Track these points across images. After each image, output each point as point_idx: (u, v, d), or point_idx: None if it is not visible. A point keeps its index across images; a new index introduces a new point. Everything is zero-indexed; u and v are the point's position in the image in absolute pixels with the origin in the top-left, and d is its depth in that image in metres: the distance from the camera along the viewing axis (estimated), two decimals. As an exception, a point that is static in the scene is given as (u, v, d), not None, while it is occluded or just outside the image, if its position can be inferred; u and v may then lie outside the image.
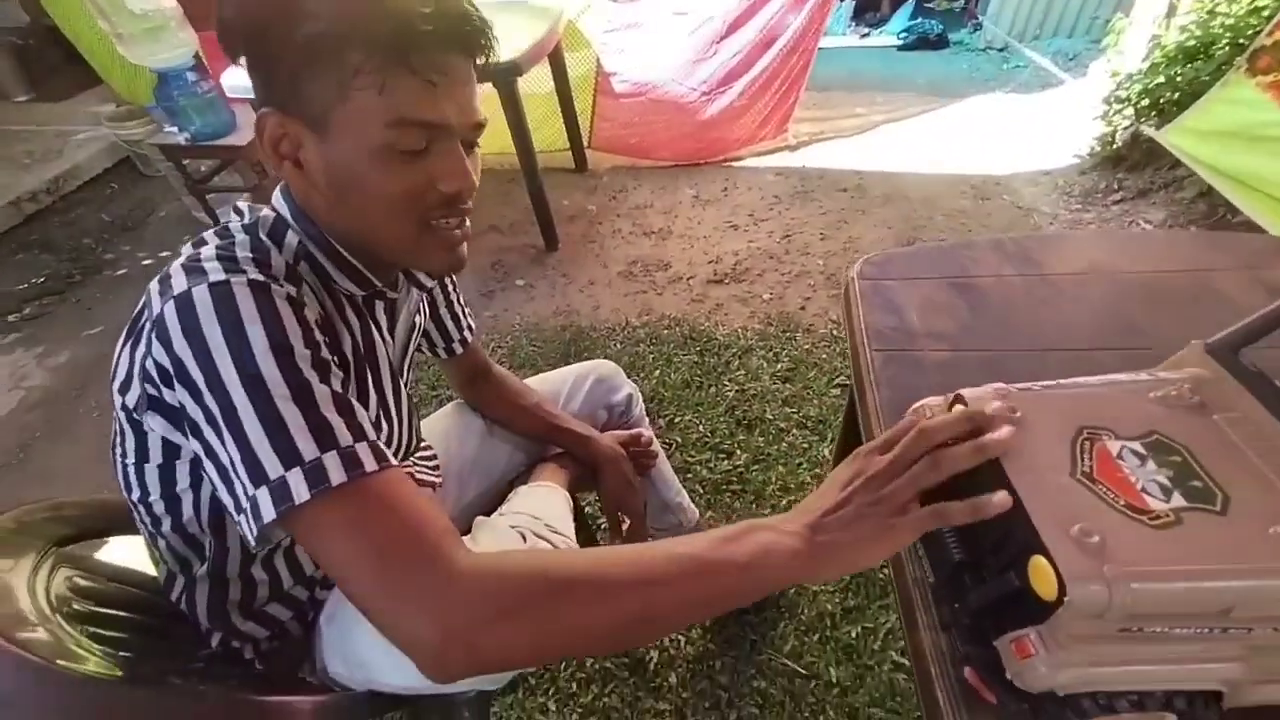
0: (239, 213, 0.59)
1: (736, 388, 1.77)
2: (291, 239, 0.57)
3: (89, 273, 2.60)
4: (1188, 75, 2.17)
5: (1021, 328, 0.85)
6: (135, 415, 0.53)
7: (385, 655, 0.58)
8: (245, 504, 0.46)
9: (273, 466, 0.44)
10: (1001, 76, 3.65)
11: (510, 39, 2.04)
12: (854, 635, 1.21)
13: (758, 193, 2.72)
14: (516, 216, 2.59)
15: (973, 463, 0.44)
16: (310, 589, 0.72)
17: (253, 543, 0.47)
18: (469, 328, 0.91)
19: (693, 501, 1.26)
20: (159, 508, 0.60)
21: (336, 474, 0.45)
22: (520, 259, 2.42)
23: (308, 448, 0.45)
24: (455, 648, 0.42)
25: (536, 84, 2.57)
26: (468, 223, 0.60)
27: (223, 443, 0.46)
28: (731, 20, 2.59)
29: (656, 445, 1.08)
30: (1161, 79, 2.27)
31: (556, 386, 1.03)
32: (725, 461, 1.56)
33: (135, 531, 0.66)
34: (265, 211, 0.58)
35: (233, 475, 0.46)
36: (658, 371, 1.85)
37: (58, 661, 0.51)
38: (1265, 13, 1.98)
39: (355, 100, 0.49)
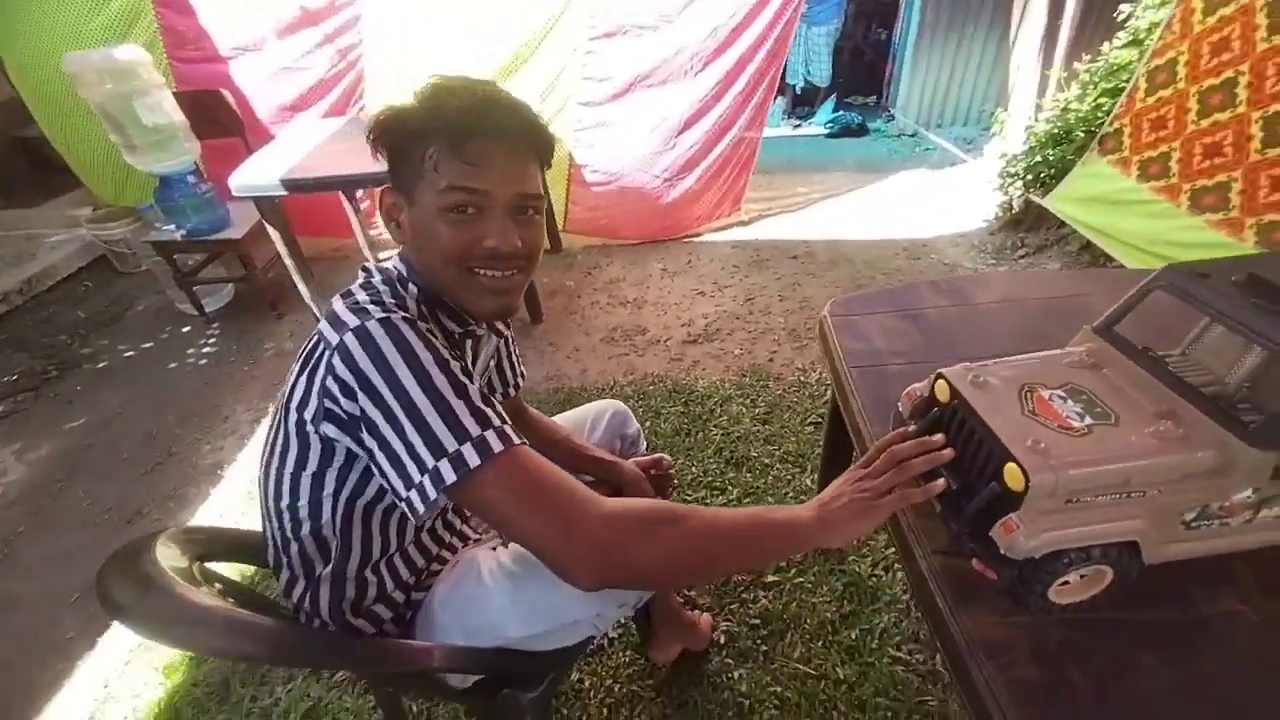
0: (368, 271, 0.75)
1: (721, 432, 1.94)
2: (412, 289, 0.73)
3: (66, 368, 2.60)
4: (1057, 155, 2.64)
5: (958, 343, 1.07)
6: (308, 427, 0.66)
7: (507, 611, 0.71)
8: (420, 478, 0.59)
9: (449, 442, 0.59)
10: (915, 157, 4.20)
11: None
12: (854, 637, 1.33)
13: (719, 263, 3.00)
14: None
15: (925, 468, 0.66)
16: (406, 593, 0.82)
17: (421, 511, 0.60)
18: (522, 374, 1.07)
19: None
20: (303, 512, 0.71)
21: (496, 445, 0.60)
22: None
23: (473, 428, 0.60)
24: (601, 563, 0.59)
25: (540, 183, 2.83)
26: (520, 277, 0.75)
27: (402, 432, 0.59)
28: (687, 117, 2.96)
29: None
30: (1039, 158, 2.74)
31: (580, 421, 1.17)
32: (719, 497, 1.70)
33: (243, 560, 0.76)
34: (391, 270, 0.75)
35: (408, 458, 0.59)
36: (648, 423, 2.00)
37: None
38: (1105, 108, 2.47)
39: (426, 177, 0.68)
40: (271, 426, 0.73)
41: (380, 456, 0.61)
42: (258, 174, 2.11)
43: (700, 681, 1.28)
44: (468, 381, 0.63)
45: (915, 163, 4.11)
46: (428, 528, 0.85)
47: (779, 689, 1.26)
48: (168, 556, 0.68)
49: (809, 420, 1.94)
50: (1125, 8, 2.55)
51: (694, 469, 1.79)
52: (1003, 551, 0.59)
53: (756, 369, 2.23)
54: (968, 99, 4.57)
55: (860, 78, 5.22)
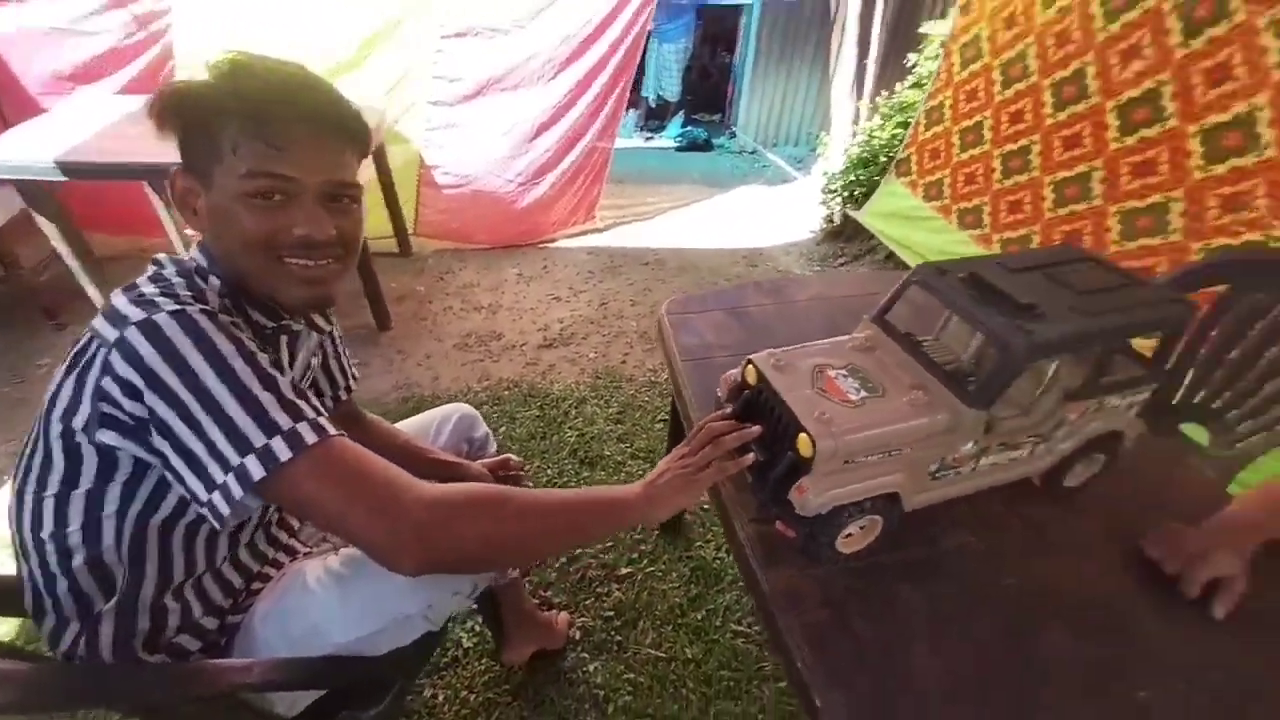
0: (159, 263, 0.67)
1: (576, 433, 1.97)
2: (214, 282, 0.67)
3: None
4: (866, 175, 3.06)
5: (776, 335, 1.20)
6: (78, 437, 0.58)
7: (333, 614, 0.69)
8: (224, 477, 0.55)
9: (256, 437, 0.55)
10: (754, 173, 4.59)
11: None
12: (700, 617, 1.43)
13: (574, 269, 3.05)
14: (343, 301, 2.57)
15: (737, 443, 0.74)
16: (220, 618, 0.74)
17: (226, 514, 0.56)
18: (353, 376, 1.01)
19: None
20: (74, 539, 0.62)
21: (310, 437, 0.57)
22: (353, 341, 2.40)
23: (283, 420, 0.56)
24: (425, 544, 0.59)
25: (359, 175, 2.65)
26: (336, 266, 0.72)
27: (200, 430, 0.55)
28: (540, 123, 2.98)
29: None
30: (852, 178, 3.15)
31: (424, 426, 1.14)
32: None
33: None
34: (187, 261, 0.68)
35: (209, 457, 0.55)
36: (502, 428, 1.98)
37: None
38: (899, 138, 2.90)
39: (225, 160, 0.63)
40: (25, 445, 0.63)
41: (175, 459, 0.56)
42: (21, 151, 1.77)
43: (557, 679, 1.30)
44: (275, 373, 0.59)
45: (754, 178, 4.48)
46: (248, 542, 0.78)
47: (632, 675, 1.31)
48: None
49: (659, 418, 2.04)
50: (913, 56, 3.01)
51: (549, 470, 1.81)
52: (798, 511, 0.68)
53: (610, 371, 2.29)
54: (798, 121, 5.09)
55: (706, 97, 5.59)
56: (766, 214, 3.84)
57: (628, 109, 5.05)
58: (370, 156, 2.47)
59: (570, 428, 1.99)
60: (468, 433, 1.17)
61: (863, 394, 0.72)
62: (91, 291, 2.13)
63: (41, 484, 0.61)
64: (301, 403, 0.59)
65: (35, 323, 2.36)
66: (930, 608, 0.69)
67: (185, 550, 0.69)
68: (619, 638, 1.38)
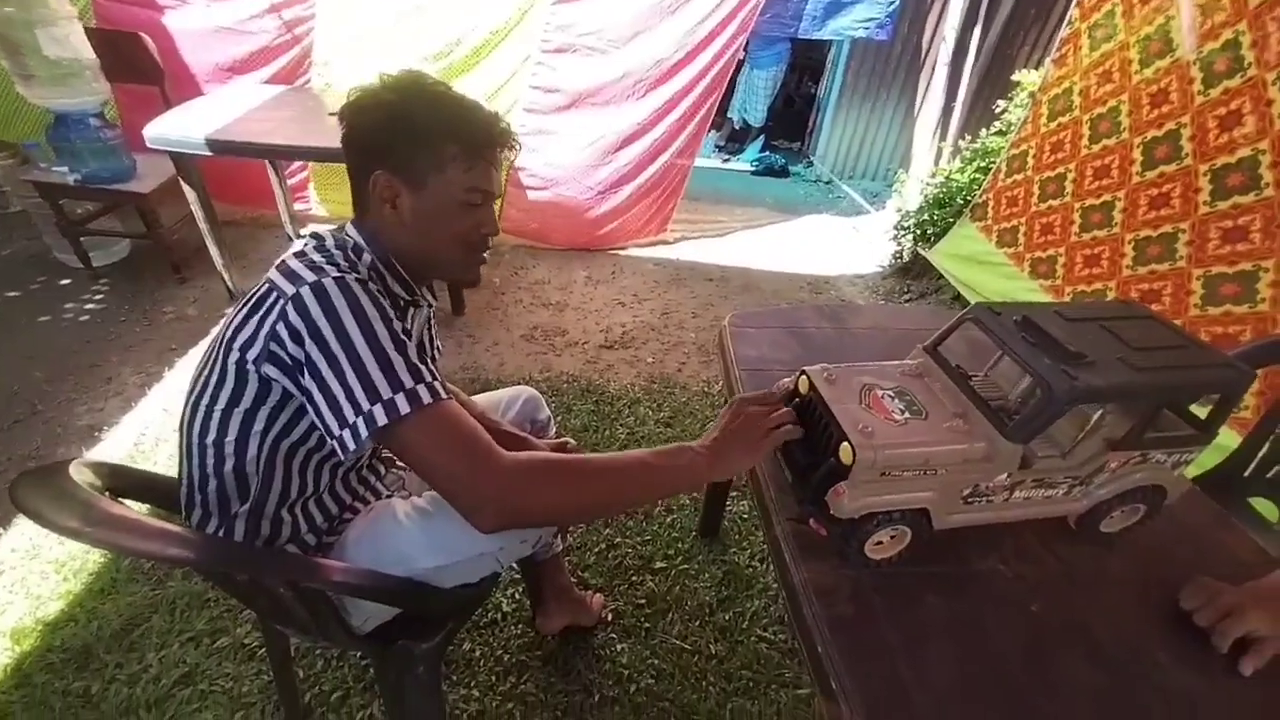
0: (318, 236, 0.82)
1: (627, 431, 2.07)
2: (366, 258, 0.82)
3: (-85, 309, 2.33)
4: (940, 216, 3.05)
5: (831, 356, 1.24)
6: (248, 366, 0.72)
7: (420, 543, 0.81)
8: (355, 419, 0.67)
9: (384, 389, 0.67)
10: (828, 203, 4.60)
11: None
12: (728, 618, 1.49)
13: (641, 278, 3.17)
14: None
15: (780, 431, 0.80)
16: (318, 537, 0.87)
17: (351, 449, 0.68)
18: (439, 348, 1.14)
19: (594, 522, 1.64)
20: (229, 447, 0.76)
21: (426, 397, 0.69)
22: (427, 319, 2.59)
23: (407, 380, 0.68)
24: (504, 502, 0.68)
25: None
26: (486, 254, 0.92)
27: (343, 377, 0.67)
28: (624, 137, 3.12)
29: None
30: (926, 217, 3.14)
31: (495, 401, 1.26)
32: (639, 507, 1.81)
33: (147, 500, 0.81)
34: (341, 236, 0.82)
35: (345, 400, 0.67)
36: (559, 417, 2.10)
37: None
38: (978, 182, 2.89)
39: (447, 172, 0.80)
40: (204, 364, 0.78)
41: (318, 397, 0.68)
42: (179, 128, 2.03)
43: (585, 653, 1.39)
44: (407, 340, 0.72)
45: (827, 207, 4.50)
46: (343, 477, 0.91)
47: (656, 661, 1.38)
48: (82, 478, 0.71)
49: (708, 427, 2.10)
50: (1001, 103, 3.00)
51: (599, 463, 1.90)
52: (832, 512, 0.74)
53: (665, 377, 2.39)
54: (877, 156, 5.07)
55: (788, 124, 5.64)
56: (835, 244, 3.86)
57: (709, 130, 5.18)
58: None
59: (621, 425, 2.09)
60: (533, 414, 1.29)
61: (906, 415, 0.77)
62: (214, 251, 2.40)
63: (214, 399, 0.75)
64: (423, 367, 0.71)
65: (164, 275, 2.67)
66: (953, 618, 0.74)
67: (300, 473, 0.83)
68: (648, 625, 1.46)
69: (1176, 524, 0.89)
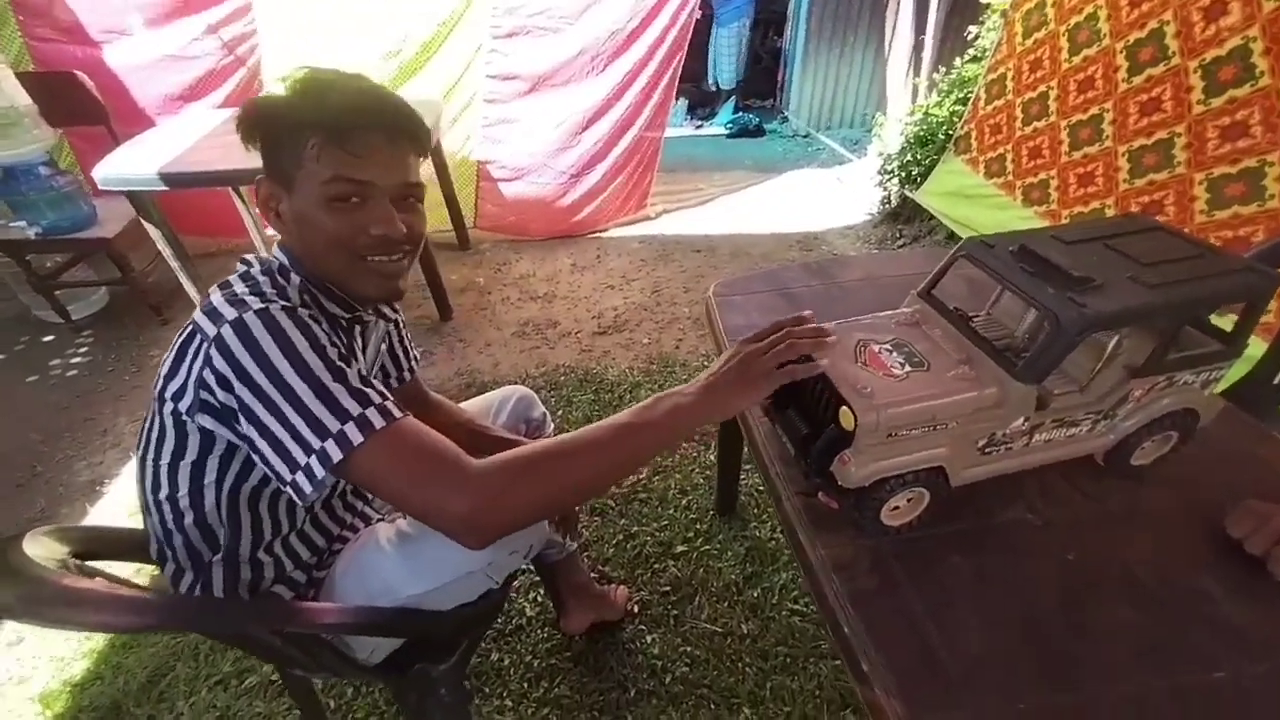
0: (247, 263, 0.76)
1: (632, 417, 2.02)
2: (294, 279, 0.75)
3: (-101, 387, 2.30)
4: (924, 155, 2.96)
5: (824, 314, 1.17)
6: (184, 417, 0.67)
7: (402, 571, 0.77)
8: (306, 459, 0.62)
9: (331, 422, 0.62)
10: (807, 157, 4.50)
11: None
12: (756, 595, 1.46)
13: (627, 258, 3.10)
14: (409, 293, 2.70)
15: (810, 347, 0.71)
16: (308, 573, 0.84)
17: (309, 492, 0.63)
18: (415, 359, 1.09)
19: (609, 512, 1.60)
20: (184, 502, 0.72)
21: (377, 421, 0.63)
22: (417, 330, 2.55)
23: (353, 407, 0.63)
24: (482, 515, 0.63)
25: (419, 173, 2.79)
26: (405, 262, 0.80)
27: (283, 418, 0.62)
28: (589, 115, 3.03)
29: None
30: (910, 158, 3.05)
31: (485, 406, 1.22)
32: (630, 477, 1.78)
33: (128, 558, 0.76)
34: (270, 260, 0.76)
35: (292, 442, 0.62)
36: (560, 411, 2.06)
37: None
38: (959, 114, 2.79)
39: (307, 167, 0.71)
40: (146, 417, 0.73)
41: (261, 444, 0.63)
42: (129, 165, 1.96)
43: (616, 649, 1.36)
44: (344, 366, 0.66)
45: (807, 162, 4.40)
46: (325, 507, 0.87)
47: (689, 648, 1.36)
48: (38, 551, 0.67)
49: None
50: (973, 29, 2.89)
51: (605, 453, 1.86)
52: (840, 483, 0.70)
53: (664, 356, 2.34)
54: (852, 103, 4.94)
55: (758, 81, 5.50)
56: (821, 198, 3.77)
57: (677, 98, 5.05)
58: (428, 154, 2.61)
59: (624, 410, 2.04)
60: (525, 413, 1.24)
61: (907, 368, 0.72)
62: (189, 288, 2.35)
63: (158, 453, 0.70)
64: (369, 390, 0.65)
65: (145, 319, 2.62)
66: (980, 576, 0.70)
67: (270, 514, 0.78)
68: (675, 612, 1.43)
69: (1210, 447, 0.84)
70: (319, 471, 0.62)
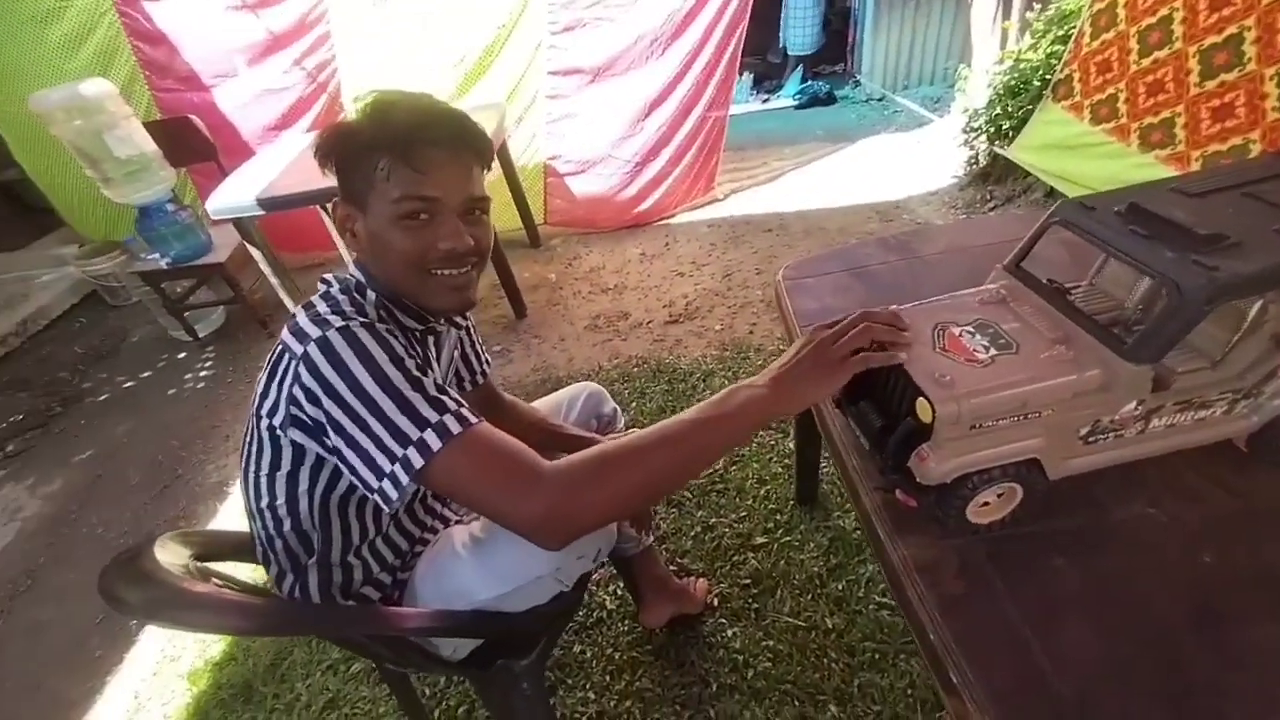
0: (327, 282, 0.80)
1: (706, 406, 1.99)
2: (370, 295, 0.79)
3: (69, 403, 2.67)
4: (1016, 106, 2.68)
5: (904, 294, 1.10)
6: (278, 432, 0.72)
7: (475, 576, 0.79)
8: (391, 467, 0.64)
9: (412, 431, 0.64)
10: (883, 121, 4.22)
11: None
12: (841, 588, 1.39)
13: (696, 243, 3.05)
14: (484, 294, 2.80)
15: (887, 336, 0.67)
16: (393, 575, 0.88)
17: (394, 498, 0.66)
18: (487, 362, 1.12)
19: (686, 504, 1.57)
20: (282, 510, 0.77)
21: (455, 427, 0.65)
22: (494, 329, 2.64)
23: (431, 415, 0.65)
24: (557, 516, 0.64)
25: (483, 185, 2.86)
26: (474, 273, 0.82)
27: (368, 429, 0.65)
28: (651, 101, 3.00)
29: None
30: (999, 110, 2.77)
31: (556, 404, 1.23)
32: (707, 468, 1.76)
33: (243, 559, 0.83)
34: (348, 278, 0.80)
35: (377, 450, 0.65)
36: (634, 404, 2.06)
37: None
38: (1057, 55, 2.50)
39: (378, 188, 0.73)
40: (246, 433, 0.79)
41: (348, 454, 0.66)
42: (233, 195, 2.15)
43: (696, 642, 1.35)
44: (421, 375, 0.68)
45: (884, 126, 4.13)
46: (407, 511, 0.91)
47: (771, 643, 1.32)
48: (165, 555, 0.74)
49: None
50: (1073, -47, 2.57)
51: (680, 444, 1.84)
52: (918, 480, 0.64)
53: (737, 342, 2.28)
54: (931, 59, 4.58)
55: (827, 47, 5.21)
56: (900, 163, 3.53)
57: (741, 72, 4.88)
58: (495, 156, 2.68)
59: (698, 400, 2.00)
60: (596, 409, 1.24)
61: (993, 352, 0.65)
62: (288, 302, 2.55)
63: (258, 465, 0.76)
64: (445, 397, 0.67)
65: (255, 333, 2.88)
66: (1093, 582, 0.62)
67: (359, 520, 0.83)
68: (756, 605, 1.39)
69: None
70: (403, 478, 0.65)
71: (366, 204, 0.75)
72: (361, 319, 0.70)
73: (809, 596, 1.39)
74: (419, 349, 0.83)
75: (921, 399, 0.62)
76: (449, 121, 0.75)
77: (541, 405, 1.22)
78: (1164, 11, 1.95)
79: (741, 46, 3.00)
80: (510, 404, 1.18)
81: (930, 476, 0.62)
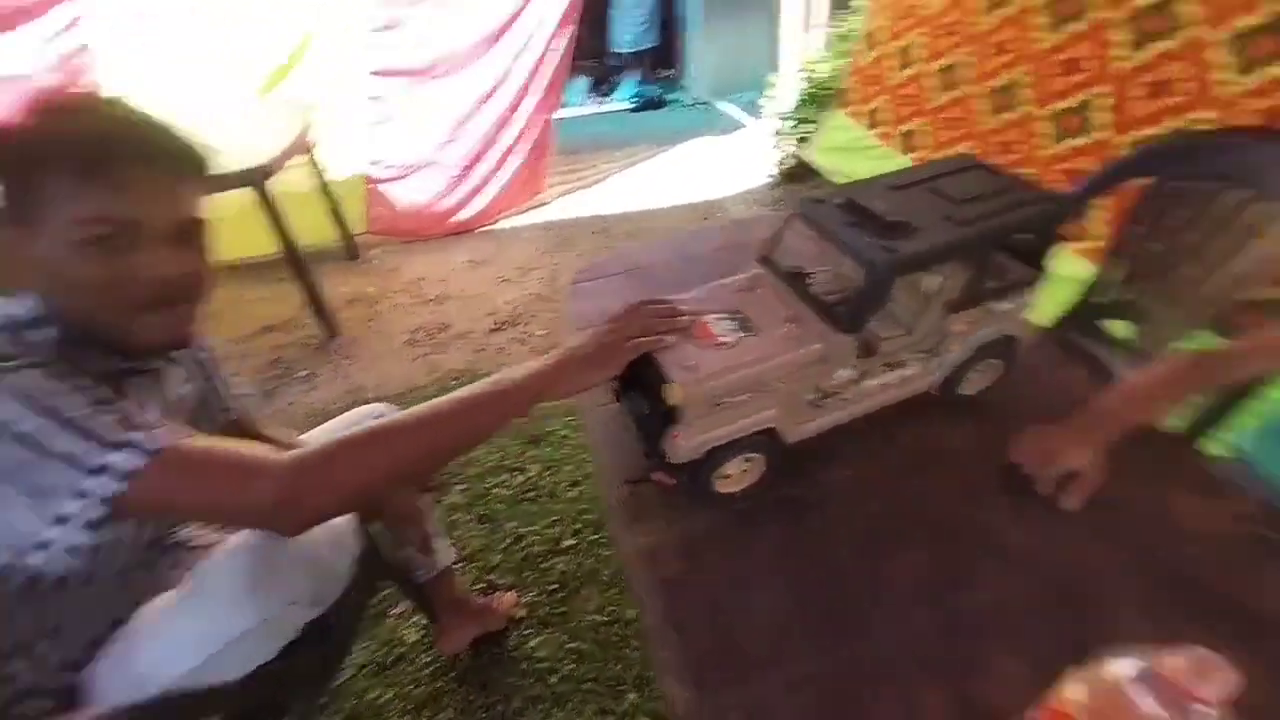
0: None
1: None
2: (49, 333, 0.63)
3: None
4: (814, 113, 2.94)
5: (680, 288, 1.14)
6: None
7: (159, 652, 0.67)
8: (74, 507, 0.54)
9: (100, 456, 0.54)
10: (707, 124, 4.43)
11: (260, 144, 2.08)
12: (651, 581, 1.41)
13: (524, 248, 2.97)
14: (292, 313, 2.49)
15: (661, 324, 0.69)
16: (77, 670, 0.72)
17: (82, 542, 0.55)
18: (231, 397, 0.97)
19: (498, 518, 1.51)
20: None
21: (163, 440, 0.57)
22: (301, 352, 2.36)
23: (119, 435, 0.56)
24: (288, 497, 0.59)
25: (298, 184, 2.52)
26: (186, 306, 0.70)
27: (45, 468, 0.53)
28: (477, 100, 2.86)
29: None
30: (801, 117, 3.03)
31: (332, 430, 1.11)
32: (519, 477, 1.69)
33: None
34: (5, 316, 0.63)
35: (62, 486, 0.54)
36: (450, 417, 1.94)
37: None
38: (846, 67, 2.79)
39: (55, 204, 0.60)
40: None
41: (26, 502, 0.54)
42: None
43: (500, 659, 1.29)
44: (106, 393, 0.60)
45: (707, 129, 4.33)
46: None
47: (575, 644, 1.29)
48: None
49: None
50: (857, -21, 2.88)
51: (494, 455, 1.76)
52: (670, 460, 0.67)
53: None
54: (751, 66, 4.89)
55: (666, 50, 5.38)
56: (719, 165, 3.73)
57: (578, 75, 4.89)
58: (309, 157, 2.43)
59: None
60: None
61: (740, 334, 0.69)
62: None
63: None
64: (137, 415, 0.59)
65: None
66: (793, 542, 0.68)
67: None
68: (563, 609, 1.36)
69: (1037, 376, 0.86)
70: (93, 509, 0.54)
71: (42, 227, 0.61)
72: (30, 359, 0.58)
73: (616, 590, 1.38)
74: (109, 395, 0.64)
75: (669, 384, 0.65)
76: (149, 130, 0.65)
77: (320, 431, 1.10)
78: (910, 37, 2.25)
79: (572, 48, 2.98)
80: (272, 436, 1.05)
81: (680, 454, 0.65)
